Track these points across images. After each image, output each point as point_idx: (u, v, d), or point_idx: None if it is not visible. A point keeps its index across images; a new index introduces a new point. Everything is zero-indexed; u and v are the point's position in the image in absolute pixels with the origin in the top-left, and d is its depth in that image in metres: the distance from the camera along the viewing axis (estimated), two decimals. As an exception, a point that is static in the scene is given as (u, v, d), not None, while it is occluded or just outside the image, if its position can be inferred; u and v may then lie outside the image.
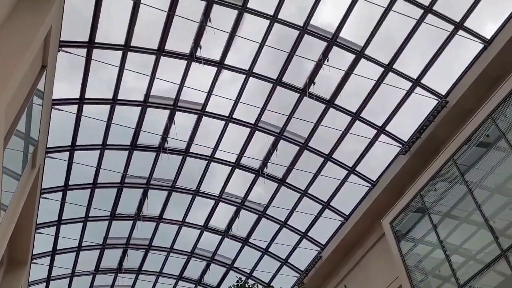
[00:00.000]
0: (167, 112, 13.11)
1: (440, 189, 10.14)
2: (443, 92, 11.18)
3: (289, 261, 16.18)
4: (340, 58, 11.67)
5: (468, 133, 9.37)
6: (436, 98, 11.28)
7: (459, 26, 10.28)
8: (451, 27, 10.37)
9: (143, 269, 18.07)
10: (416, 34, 10.77)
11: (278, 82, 12.37)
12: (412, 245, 10.84)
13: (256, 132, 13.48)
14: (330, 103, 12.42)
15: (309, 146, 13.44)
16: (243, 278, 14.71)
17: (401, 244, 10.85)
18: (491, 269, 8.33)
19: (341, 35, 11.32)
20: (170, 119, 13.19)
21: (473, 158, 9.48)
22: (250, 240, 16.31)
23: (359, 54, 11.40)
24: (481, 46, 10.31)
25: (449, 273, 9.27)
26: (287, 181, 14.38)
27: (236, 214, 15.76)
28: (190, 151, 14.16)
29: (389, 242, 11.17)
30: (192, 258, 17.48)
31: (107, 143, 13.33)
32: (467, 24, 10.22)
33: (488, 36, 10.17)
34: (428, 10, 10.30)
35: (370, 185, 13.35)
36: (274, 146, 13.68)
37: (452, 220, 10.02)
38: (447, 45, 10.66)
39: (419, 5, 10.30)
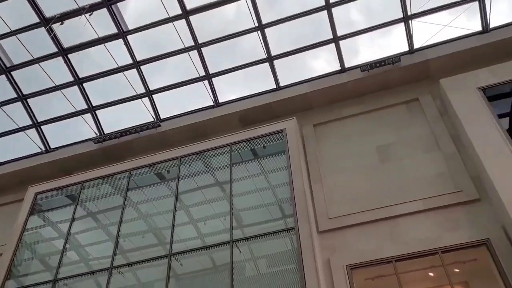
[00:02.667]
0: None
1: (103, 191, 10.30)
2: (163, 117, 11.83)
3: None
4: (104, 24, 10.98)
5: (153, 161, 10.13)
6: (154, 117, 11.81)
7: (207, 76, 11.38)
8: (202, 73, 11.35)
9: None
10: (178, 57, 11.28)
11: (27, -8, 10.51)
12: (42, 224, 10.37)
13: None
14: (63, 51, 11.28)
15: (11, 73, 11.64)
16: None
17: (32, 218, 10.23)
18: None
19: (120, 4, 10.78)
20: None
21: (146, 182, 10.19)
22: None
23: (123, 34, 11.00)
24: (212, 103, 11.62)
25: (53, 265, 9.21)
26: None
27: None
28: None
29: (22, 211, 10.36)
30: None
31: None
32: (214, 80, 11.42)
33: (221, 100, 11.58)
34: (197, 46, 11.04)
35: (44, 149, 12.36)
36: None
37: (89, 222, 10.18)
38: (190, 84, 11.56)
39: (194, 38, 10.94)
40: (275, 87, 11.28)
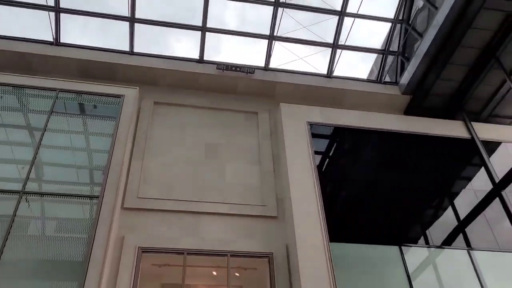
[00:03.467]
0: None
1: None
2: None
3: None
4: None
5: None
6: (-26, 27, 9.96)
7: (56, 9, 10.13)
8: (52, 3, 10.04)
9: None
10: None
11: None
12: None
13: None
14: None
15: None
16: None
17: None
18: None
19: None
20: None
21: None
22: None
23: None
24: (51, 39, 10.34)
25: None
26: None
27: None
28: None
29: None
30: None
31: None
32: (64, 16, 10.22)
33: (64, 40, 10.39)
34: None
35: None
36: None
37: None
38: (34, 9, 10.12)
39: None
40: (128, 50, 10.63)
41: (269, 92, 10.91)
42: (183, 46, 11.53)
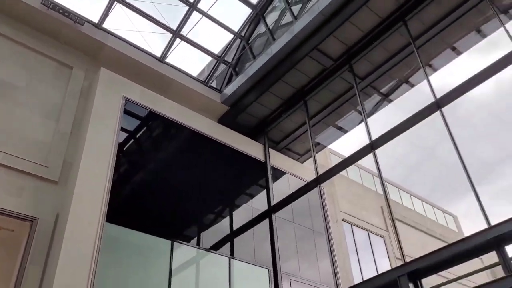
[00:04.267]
0: None
1: None
2: None
3: None
4: None
5: None
6: None
7: None
8: None
9: None
10: None
11: None
12: None
13: None
14: None
15: None
16: None
17: None
18: None
19: None
20: None
21: None
22: None
23: None
24: None
25: None
26: None
27: None
28: None
29: None
30: None
31: None
32: None
33: None
34: None
35: None
36: None
37: None
38: None
39: None
40: None
41: (93, 51, 10.07)
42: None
